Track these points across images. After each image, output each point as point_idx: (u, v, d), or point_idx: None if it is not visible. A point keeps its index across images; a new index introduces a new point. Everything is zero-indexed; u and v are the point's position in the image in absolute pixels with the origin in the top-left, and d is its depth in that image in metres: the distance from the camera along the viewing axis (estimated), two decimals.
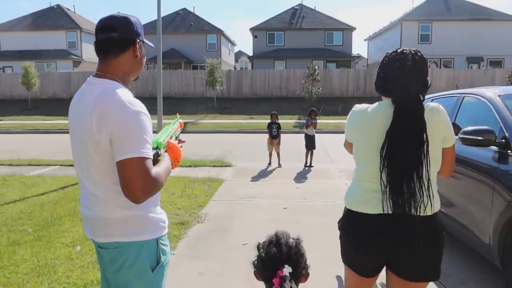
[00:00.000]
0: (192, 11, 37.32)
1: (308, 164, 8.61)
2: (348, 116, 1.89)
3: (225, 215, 5.15)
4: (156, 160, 1.51)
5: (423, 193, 1.65)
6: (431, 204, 1.68)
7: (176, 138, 1.79)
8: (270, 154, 8.80)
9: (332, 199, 5.95)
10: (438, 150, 1.73)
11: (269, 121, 9.00)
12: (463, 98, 3.98)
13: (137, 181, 1.35)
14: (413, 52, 1.73)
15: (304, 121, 9.26)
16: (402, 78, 1.69)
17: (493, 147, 3.05)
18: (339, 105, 22.52)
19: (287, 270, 1.28)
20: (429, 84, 1.76)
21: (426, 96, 5.03)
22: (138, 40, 1.59)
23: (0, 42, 33.64)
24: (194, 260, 3.71)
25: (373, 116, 1.75)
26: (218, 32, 34.46)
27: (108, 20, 1.55)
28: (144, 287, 1.56)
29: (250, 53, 35.77)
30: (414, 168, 1.64)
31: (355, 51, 45.30)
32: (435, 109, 1.71)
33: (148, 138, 1.43)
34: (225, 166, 8.58)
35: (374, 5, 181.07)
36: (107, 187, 1.50)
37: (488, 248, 2.98)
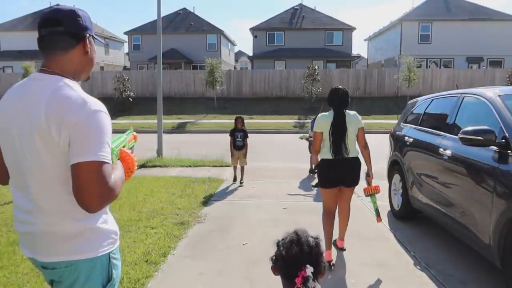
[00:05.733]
0: (192, 11, 37.34)
1: (313, 169, 7.71)
2: (317, 118, 3.78)
3: (225, 215, 5.15)
4: None
5: (347, 149, 3.60)
6: (349, 153, 3.62)
7: (130, 149, 1.68)
8: (235, 169, 7.16)
9: None
10: (354, 131, 3.67)
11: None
12: (463, 98, 3.98)
13: (93, 187, 1.22)
14: (342, 88, 3.74)
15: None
16: (337, 100, 3.65)
17: (493, 147, 3.04)
18: None
19: (309, 270, 1.28)
20: (348, 102, 3.67)
21: (427, 96, 5.08)
22: (87, 35, 1.44)
23: (0, 42, 33.64)
24: (194, 260, 3.71)
25: (328, 117, 3.66)
26: (218, 32, 34.46)
27: (52, 13, 1.40)
28: None
29: (250, 53, 35.77)
30: (341, 139, 3.60)
31: (355, 51, 45.31)
32: (352, 113, 3.70)
33: (109, 141, 1.31)
34: (225, 166, 8.56)
35: (374, 5, 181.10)
36: (60, 196, 1.33)
37: (488, 248, 2.98)
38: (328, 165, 3.68)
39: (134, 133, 1.75)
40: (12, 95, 1.41)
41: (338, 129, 3.60)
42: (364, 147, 3.79)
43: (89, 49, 1.45)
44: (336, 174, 3.67)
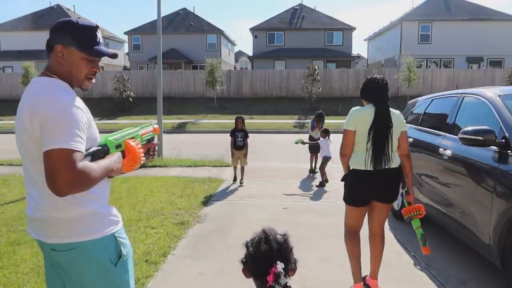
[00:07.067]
0: (192, 11, 37.34)
1: (313, 169, 7.90)
2: (352, 112, 2.89)
3: (225, 215, 5.15)
4: (101, 158, 1.50)
5: (389, 157, 2.83)
6: (391, 162, 2.85)
7: (148, 141, 1.77)
8: (235, 169, 7.16)
9: (332, 199, 5.95)
10: (397, 135, 2.90)
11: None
12: (463, 98, 3.97)
13: (61, 173, 1.31)
14: (381, 77, 2.93)
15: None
16: (377, 92, 2.87)
17: (493, 147, 3.04)
18: (339, 105, 22.51)
19: (280, 266, 1.28)
20: (389, 96, 2.93)
21: (427, 96, 5.07)
22: (58, 45, 1.53)
23: (0, 42, 33.64)
24: (194, 260, 3.71)
25: (367, 113, 2.83)
26: (218, 32, 34.45)
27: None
28: (110, 283, 1.56)
29: (250, 53, 35.77)
30: (384, 144, 2.80)
31: (355, 51, 45.30)
32: (397, 113, 2.92)
33: (80, 132, 1.40)
34: (225, 166, 8.56)
35: (374, 5, 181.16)
36: None
37: (488, 248, 2.98)
38: (362, 179, 2.86)
39: (155, 126, 1.86)
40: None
41: (382, 130, 2.79)
42: (407, 156, 3.01)
43: (60, 60, 1.54)
44: (371, 189, 2.89)
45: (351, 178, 2.93)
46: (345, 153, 2.91)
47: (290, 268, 1.36)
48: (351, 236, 3.04)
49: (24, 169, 1.58)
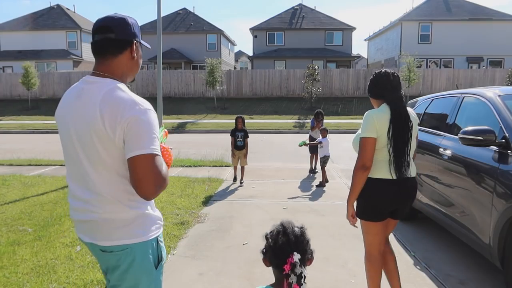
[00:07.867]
0: (192, 11, 37.33)
1: (313, 169, 7.93)
2: (369, 115, 2.48)
3: (225, 215, 5.15)
4: None
5: (409, 163, 2.51)
6: (411, 170, 2.55)
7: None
8: (235, 169, 7.22)
9: (332, 199, 5.95)
10: (415, 134, 2.59)
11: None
12: (463, 98, 3.98)
13: (150, 177, 1.37)
14: (392, 71, 2.57)
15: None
16: (390, 87, 2.52)
17: (493, 147, 3.04)
18: (339, 105, 22.52)
19: (296, 257, 1.37)
20: (403, 93, 2.59)
21: (427, 96, 5.07)
22: (135, 41, 1.58)
23: (0, 42, 33.64)
24: (194, 260, 3.71)
25: (385, 114, 2.47)
26: (218, 32, 34.46)
27: (105, 21, 1.55)
28: (150, 285, 1.59)
29: (250, 53, 35.77)
30: (405, 147, 2.46)
31: (355, 51, 45.31)
32: (411, 111, 2.61)
33: (157, 136, 1.45)
34: (225, 166, 8.56)
35: (374, 5, 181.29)
36: (117, 186, 1.48)
37: (488, 248, 2.98)
38: (386, 189, 2.49)
39: (165, 130, 1.92)
40: (68, 98, 1.57)
41: (404, 130, 2.46)
42: (412, 159, 2.70)
43: (135, 54, 1.59)
44: (394, 200, 2.54)
45: (375, 189, 2.51)
46: (369, 165, 2.45)
47: (307, 259, 1.46)
48: (374, 262, 2.64)
49: (75, 172, 1.55)
